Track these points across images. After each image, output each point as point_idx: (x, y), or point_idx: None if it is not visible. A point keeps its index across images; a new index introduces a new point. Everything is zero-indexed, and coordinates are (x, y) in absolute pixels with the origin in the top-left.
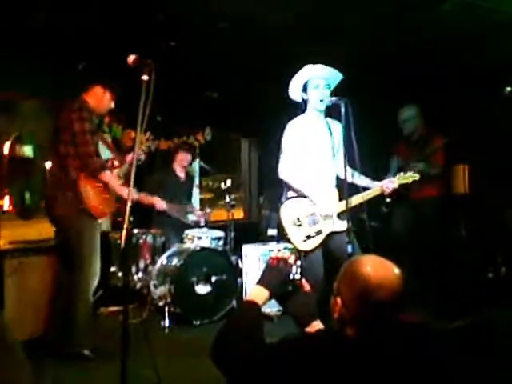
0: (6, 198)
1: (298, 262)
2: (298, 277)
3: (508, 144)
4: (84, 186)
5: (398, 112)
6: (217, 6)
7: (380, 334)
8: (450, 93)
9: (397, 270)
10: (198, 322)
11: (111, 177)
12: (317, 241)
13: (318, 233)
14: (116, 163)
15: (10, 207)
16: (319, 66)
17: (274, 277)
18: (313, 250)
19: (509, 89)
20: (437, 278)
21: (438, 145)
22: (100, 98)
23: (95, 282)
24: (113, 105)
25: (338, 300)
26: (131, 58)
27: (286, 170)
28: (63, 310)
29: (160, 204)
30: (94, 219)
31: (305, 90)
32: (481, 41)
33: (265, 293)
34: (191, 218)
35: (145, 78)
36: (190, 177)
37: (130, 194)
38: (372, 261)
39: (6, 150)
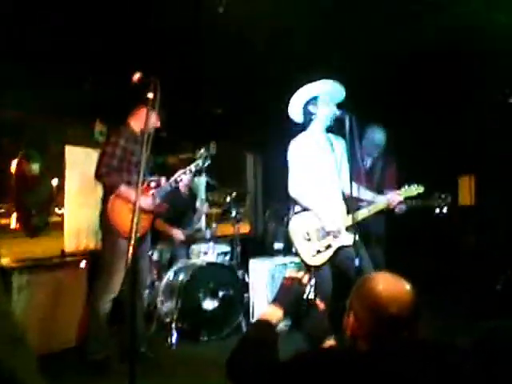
0: (13, 216)
1: (312, 282)
2: (311, 296)
3: None
4: (112, 205)
5: (368, 132)
6: (222, 22)
7: (392, 350)
8: (455, 104)
9: (409, 287)
10: (206, 338)
11: (127, 190)
12: (326, 255)
13: (328, 247)
14: (152, 184)
15: (17, 225)
16: (329, 82)
17: (288, 296)
18: (322, 265)
19: None
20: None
21: (392, 174)
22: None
23: (110, 297)
24: (159, 124)
25: (351, 316)
26: (136, 75)
27: (295, 187)
28: None
29: (178, 235)
30: (120, 238)
31: (313, 104)
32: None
33: (279, 312)
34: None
35: (150, 95)
36: (192, 192)
37: (137, 210)
38: (384, 278)
39: (13, 167)
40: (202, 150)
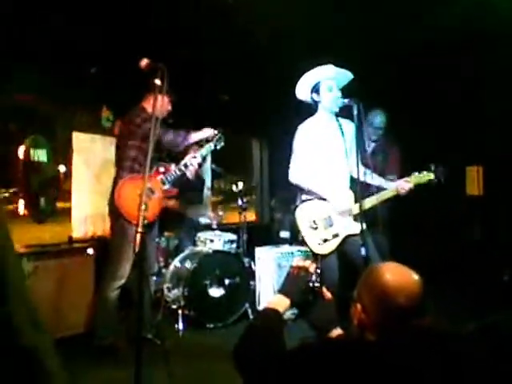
0: (21, 202)
1: (319, 271)
2: (318, 285)
3: None
4: (120, 191)
5: (370, 115)
6: (230, 12)
7: (400, 340)
8: (463, 94)
9: (416, 277)
10: (212, 325)
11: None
12: (333, 244)
13: (335, 236)
14: (161, 169)
15: (25, 211)
16: (331, 67)
17: (295, 285)
18: (329, 254)
19: None
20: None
21: (395, 156)
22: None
23: (118, 284)
24: (170, 107)
25: (358, 306)
26: (144, 62)
27: (296, 173)
28: None
29: (171, 203)
30: (129, 224)
31: (316, 91)
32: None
33: (286, 301)
34: (203, 220)
35: (157, 82)
36: (200, 179)
37: (143, 198)
38: (391, 268)
39: (20, 154)
40: (215, 132)
